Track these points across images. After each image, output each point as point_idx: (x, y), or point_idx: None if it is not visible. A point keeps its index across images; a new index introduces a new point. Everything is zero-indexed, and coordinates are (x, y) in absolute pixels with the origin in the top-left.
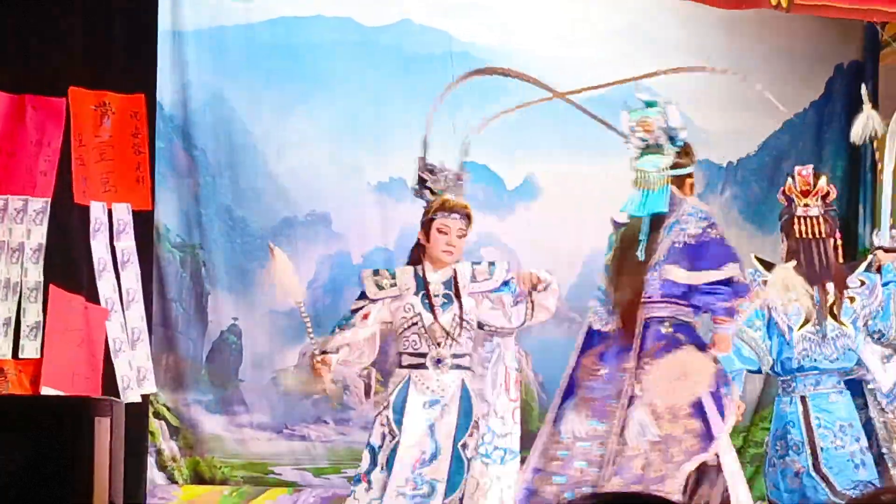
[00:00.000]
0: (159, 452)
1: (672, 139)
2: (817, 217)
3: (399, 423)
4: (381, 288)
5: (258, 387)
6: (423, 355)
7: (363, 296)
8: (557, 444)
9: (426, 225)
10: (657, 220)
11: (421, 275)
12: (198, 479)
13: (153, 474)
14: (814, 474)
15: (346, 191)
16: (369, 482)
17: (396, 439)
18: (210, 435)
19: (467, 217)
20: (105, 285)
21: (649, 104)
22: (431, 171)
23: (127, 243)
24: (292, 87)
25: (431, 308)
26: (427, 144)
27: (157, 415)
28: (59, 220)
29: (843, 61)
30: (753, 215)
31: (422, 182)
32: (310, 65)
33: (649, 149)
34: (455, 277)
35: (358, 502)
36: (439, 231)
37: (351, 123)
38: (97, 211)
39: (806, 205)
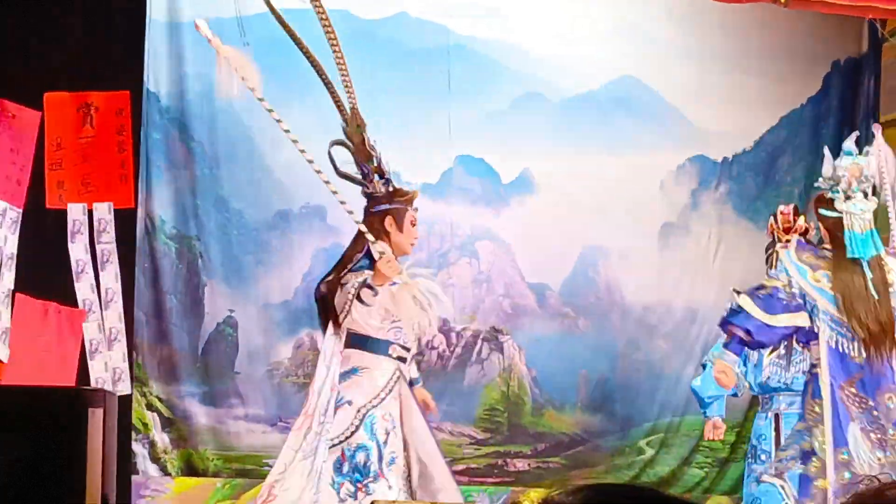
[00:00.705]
0: (152, 444)
1: (875, 187)
2: None
3: (401, 419)
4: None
5: (253, 379)
6: (408, 350)
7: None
8: (848, 467)
9: (399, 214)
10: (874, 260)
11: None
12: (190, 471)
13: (146, 466)
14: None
15: (340, 184)
16: (387, 479)
17: (401, 436)
18: (203, 427)
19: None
20: (83, 287)
21: (855, 153)
22: (373, 148)
23: (107, 243)
24: (288, 79)
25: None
26: (360, 122)
27: (150, 406)
28: (31, 228)
29: (840, 58)
30: (748, 211)
31: (369, 160)
32: (304, 57)
33: (856, 194)
34: None
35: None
36: (412, 223)
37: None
38: (76, 212)
39: (787, 241)
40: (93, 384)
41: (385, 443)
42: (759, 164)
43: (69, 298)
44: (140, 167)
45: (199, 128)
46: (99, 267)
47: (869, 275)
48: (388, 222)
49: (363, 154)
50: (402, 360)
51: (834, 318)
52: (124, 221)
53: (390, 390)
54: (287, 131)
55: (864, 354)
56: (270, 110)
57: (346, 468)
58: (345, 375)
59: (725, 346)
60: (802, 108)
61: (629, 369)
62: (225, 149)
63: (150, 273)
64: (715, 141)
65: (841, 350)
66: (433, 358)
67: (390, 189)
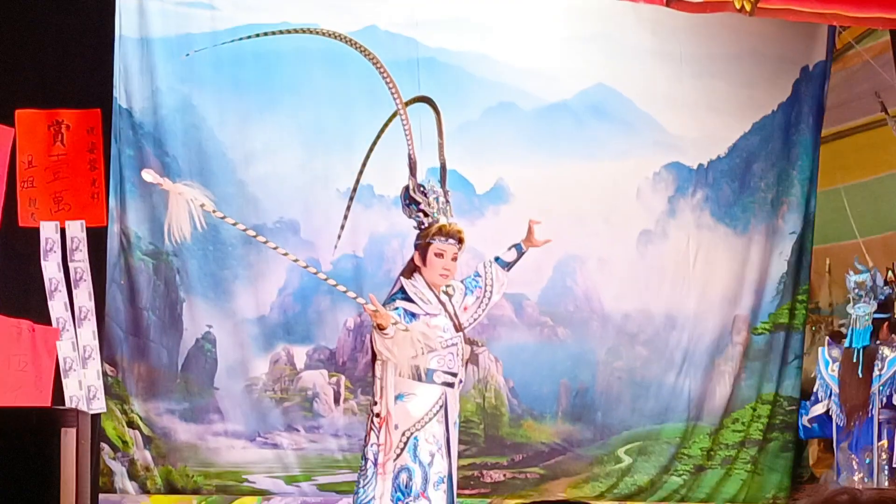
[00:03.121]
0: (132, 462)
1: (876, 295)
2: None
3: (448, 442)
4: (423, 301)
5: (232, 394)
6: (455, 375)
7: (405, 297)
8: None
9: (423, 248)
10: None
11: (436, 296)
12: (170, 488)
13: (124, 484)
14: None
15: (314, 198)
16: (430, 500)
17: (447, 460)
18: (184, 444)
19: (460, 241)
20: (57, 305)
21: (865, 270)
22: (424, 193)
23: (80, 261)
24: (259, 94)
25: (463, 333)
26: (415, 162)
27: (132, 424)
28: (3, 246)
29: (809, 63)
30: (725, 216)
31: (414, 203)
32: (276, 72)
33: (861, 300)
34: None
35: None
36: (436, 255)
37: (318, 131)
38: (48, 231)
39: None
40: (67, 403)
41: (430, 464)
42: (734, 170)
43: (43, 317)
44: (112, 185)
45: (172, 143)
46: (72, 285)
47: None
48: (417, 258)
49: (410, 197)
50: (449, 385)
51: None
52: (97, 240)
53: (434, 414)
54: (256, 236)
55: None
56: (235, 223)
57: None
58: (393, 402)
59: None
60: (774, 115)
61: (610, 377)
62: (199, 163)
63: (127, 290)
64: (689, 148)
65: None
66: None
67: (422, 228)
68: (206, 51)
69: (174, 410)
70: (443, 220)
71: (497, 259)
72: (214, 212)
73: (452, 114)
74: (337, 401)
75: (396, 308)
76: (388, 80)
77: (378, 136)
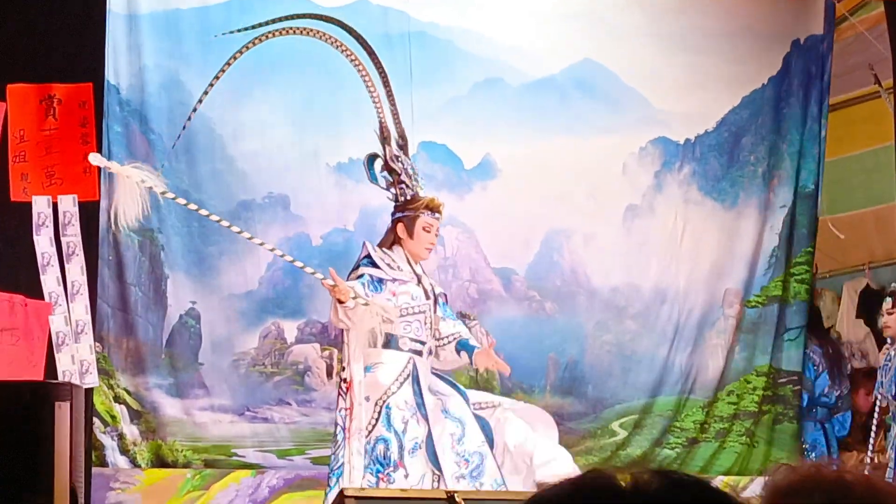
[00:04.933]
0: (121, 437)
1: None
2: None
3: (423, 407)
4: (391, 268)
5: (218, 369)
6: (423, 343)
7: (371, 263)
8: None
9: (409, 220)
10: None
11: (410, 266)
12: (160, 462)
13: (116, 458)
14: None
15: (304, 172)
16: (406, 467)
17: (426, 425)
18: (171, 418)
19: (440, 215)
20: (49, 279)
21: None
22: (401, 163)
23: (72, 236)
24: (248, 70)
25: (434, 302)
26: (388, 134)
27: (118, 399)
28: None
29: (800, 37)
30: (713, 191)
31: (393, 173)
32: (265, 47)
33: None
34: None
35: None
36: (425, 229)
37: (308, 105)
38: (41, 205)
39: None
40: (60, 377)
41: (404, 431)
42: (722, 145)
43: (35, 291)
44: None
45: (157, 119)
46: (65, 259)
47: None
48: (400, 229)
49: (387, 166)
50: (417, 352)
51: None
52: (89, 214)
53: (404, 380)
54: (219, 221)
55: None
56: (186, 204)
57: (366, 460)
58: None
59: None
60: (763, 88)
61: (599, 351)
62: (185, 140)
63: (115, 266)
64: (676, 123)
65: None
66: None
67: (407, 198)
68: (193, 26)
69: (161, 385)
70: (422, 194)
71: (460, 342)
72: (164, 193)
73: (441, 89)
74: (330, 374)
75: (361, 276)
76: (351, 57)
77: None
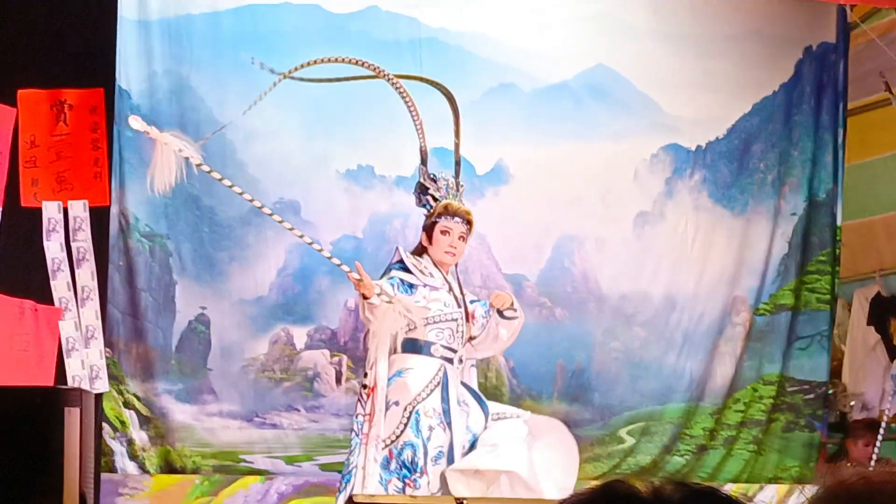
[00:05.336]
0: (130, 442)
1: None
2: None
3: (448, 414)
4: (423, 274)
5: (228, 375)
6: (454, 351)
7: (403, 268)
8: None
9: (429, 228)
10: None
11: (441, 274)
12: (169, 468)
13: (125, 464)
14: None
15: (314, 179)
16: (429, 475)
17: (449, 433)
18: (180, 424)
19: (468, 222)
20: (59, 285)
21: None
22: (433, 180)
23: (83, 241)
24: (259, 74)
25: (466, 310)
26: (426, 153)
27: (128, 404)
28: (6, 226)
29: (813, 43)
30: (723, 198)
31: (424, 190)
32: (276, 53)
33: None
34: (459, 284)
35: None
36: (442, 232)
37: (318, 111)
38: (51, 211)
39: None
40: (70, 382)
41: (429, 439)
42: (732, 152)
43: (45, 297)
44: (113, 165)
45: (168, 125)
46: (75, 265)
47: None
48: (424, 238)
49: (421, 184)
50: (448, 360)
51: None
52: (99, 219)
53: (434, 387)
54: (242, 194)
55: None
56: (220, 179)
57: (393, 465)
58: (391, 379)
59: None
60: (775, 95)
61: (607, 358)
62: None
63: (126, 271)
64: (688, 129)
65: None
66: None
67: (430, 210)
68: (204, 32)
69: (170, 391)
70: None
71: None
72: (200, 165)
73: (454, 94)
74: (339, 381)
75: (392, 277)
76: (404, 95)
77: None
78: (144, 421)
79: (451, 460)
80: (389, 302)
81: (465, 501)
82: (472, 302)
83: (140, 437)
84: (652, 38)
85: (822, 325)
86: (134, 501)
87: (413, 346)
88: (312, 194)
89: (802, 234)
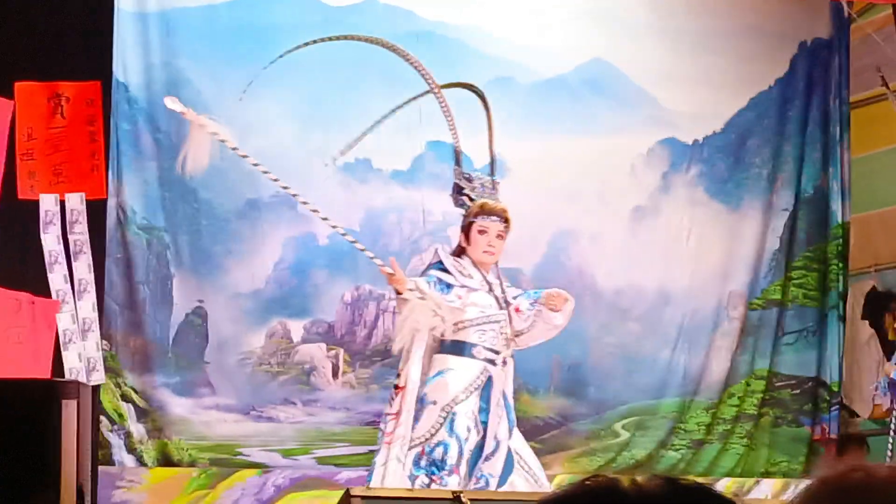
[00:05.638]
0: (128, 435)
1: None
2: None
3: (485, 415)
4: (462, 274)
5: (224, 368)
6: (497, 353)
7: (442, 268)
8: None
9: (466, 228)
10: None
11: (481, 274)
12: (166, 461)
13: (122, 456)
14: None
15: (311, 172)
16: (460, 474)
17: (481, 436)
18: (177, 417)
19: (506, 220)
20: (56, 277)
21: None
22: (468, 180)
23: (80, 234)
24: (256, 68)
25: (509, 311)
26: (460, 153)
27: (125, 397)
28: (3, 219)
29: (808, 39)
30: (720, 193)
31: (459, 190)
32: (273, 46)
33: None
34: (501, 284)
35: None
36: (480, 232)
37: (315, 104)
38: (48, 203)
39: None
40: (67, 375)
41: (466, 439)
42: (728, 146)
43: (42, 289)
44: (110, 158)
45: (165, 118)
46: (72, 257)
47: None
48: (462, 239)
49: (455, 183)
50: (491, 362)
51: None
52: (96, 212)
53: (475, 389)
54: (277, 180)
55: None
56: (256, 164)
57: (423, 462)
58: (431, 378)
59: None
60: (770, 90)
61: (602, 353)
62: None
63: (123, 264)
64: (685, 123)
65: None
66: None
67: (465, 210)
68: (201, 25)
69: (167, 384)
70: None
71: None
72: (235, 149)
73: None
74: (335, 374)
75: (429, 276)
76: (428, 79)
77: (388, 114)
78: (142, 414)
79: (473, 461)
80: (422, 298)
81: (461, 494)
82: (515, 297)
83: (137, 429)
84: (649, 34)
85: (809, 321)
86: (131, 494)
87: (456, 348)
88: (309, 187)
89: (790, 230)
